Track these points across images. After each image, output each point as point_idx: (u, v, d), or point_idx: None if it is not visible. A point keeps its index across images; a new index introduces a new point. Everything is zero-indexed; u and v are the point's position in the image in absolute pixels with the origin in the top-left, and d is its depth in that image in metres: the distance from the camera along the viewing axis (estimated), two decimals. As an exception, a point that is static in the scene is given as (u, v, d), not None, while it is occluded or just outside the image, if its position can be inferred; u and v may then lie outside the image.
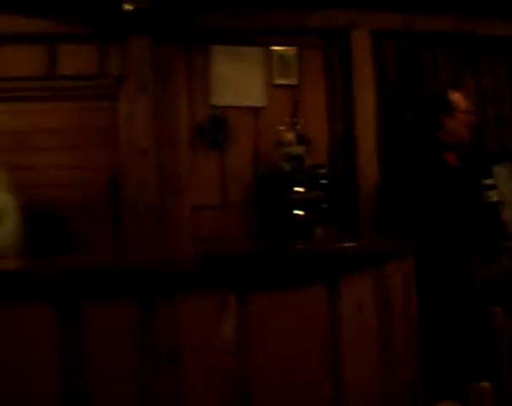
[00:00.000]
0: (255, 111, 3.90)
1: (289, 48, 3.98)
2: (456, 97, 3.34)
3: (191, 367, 1.42)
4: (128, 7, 3.45)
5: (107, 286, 1.37)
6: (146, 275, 1.40)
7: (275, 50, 3.96)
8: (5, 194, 3.00)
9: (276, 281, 1.57)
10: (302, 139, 3.60)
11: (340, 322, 1.70)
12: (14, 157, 3.70)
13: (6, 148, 3.71)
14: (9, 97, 3.76)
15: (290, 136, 3.59)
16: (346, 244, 1.99)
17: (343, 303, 1.71)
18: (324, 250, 1.80)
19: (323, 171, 3.67)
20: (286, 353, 1.58)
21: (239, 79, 3.87)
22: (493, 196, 3.48)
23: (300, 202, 3.45)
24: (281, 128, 3.62)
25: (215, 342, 1.45)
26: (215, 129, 3.77)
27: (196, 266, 1.44)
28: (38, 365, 1.32)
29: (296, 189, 3.48)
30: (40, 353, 1.33)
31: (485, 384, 1.12)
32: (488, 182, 3.53)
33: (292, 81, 3.97)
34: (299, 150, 3.55)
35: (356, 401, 1.72)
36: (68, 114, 3.78)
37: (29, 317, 1.31)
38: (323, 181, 3.60)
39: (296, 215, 3.40)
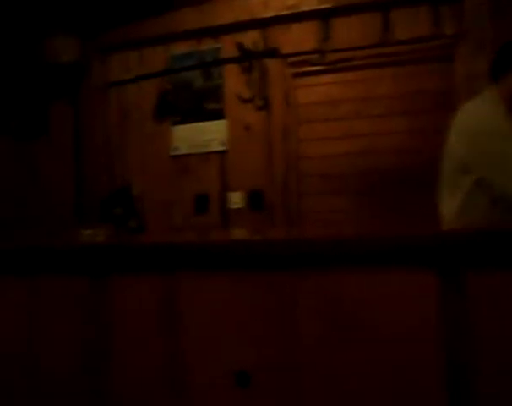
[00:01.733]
0: None
1: None
2: None
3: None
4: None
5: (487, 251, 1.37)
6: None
7: None
8: None
9: None
10: None
11: None
12: (353, 125, 3.94)
13: (343, 117, 3.97)
14: (343, 68, 3.99)
15: None
16: None
17: None
18: None
19: None
20: None
21: None
22: None
23: None
24: None
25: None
26: None
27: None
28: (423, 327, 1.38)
29: None
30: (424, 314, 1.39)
31: None
32: None
33: None
34: None
35: None
36: (402, 79, 3.89)
37: (414, 282, 1.38)
38: None
39: None
